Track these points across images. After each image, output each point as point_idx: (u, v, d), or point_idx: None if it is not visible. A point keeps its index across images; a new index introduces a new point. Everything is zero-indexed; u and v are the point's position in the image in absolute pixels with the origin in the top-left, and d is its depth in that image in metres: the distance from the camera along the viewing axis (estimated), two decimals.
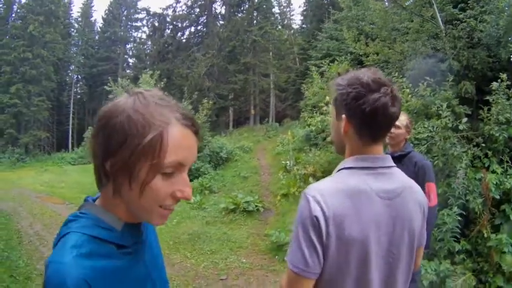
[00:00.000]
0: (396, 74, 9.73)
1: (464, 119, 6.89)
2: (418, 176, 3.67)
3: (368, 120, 1.55)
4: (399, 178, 1.64)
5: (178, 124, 1.05)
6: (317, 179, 11.58)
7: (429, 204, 3.64)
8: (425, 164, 3.75)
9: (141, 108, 1.03)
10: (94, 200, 1.16)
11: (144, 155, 1.00)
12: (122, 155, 1.01)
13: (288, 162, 15.28)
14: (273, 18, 41.23)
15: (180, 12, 38.70)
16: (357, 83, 1.54)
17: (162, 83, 19.05)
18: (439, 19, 9.75)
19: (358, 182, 1.52)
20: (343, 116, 1.59)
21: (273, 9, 42.53)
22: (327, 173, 11.19)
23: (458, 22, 9.27)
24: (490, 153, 6.46)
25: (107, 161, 1.04)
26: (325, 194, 1.47)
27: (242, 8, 38.65)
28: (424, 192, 3.61)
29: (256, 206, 11.08)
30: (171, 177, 1.04)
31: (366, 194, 1.50)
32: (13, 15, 40.84)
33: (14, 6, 40.77)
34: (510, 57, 8.83)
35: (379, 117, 1.53)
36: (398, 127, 3.76)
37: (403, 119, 3.82)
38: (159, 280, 1.27)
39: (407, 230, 1.57)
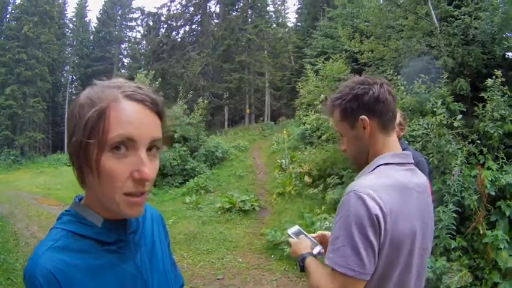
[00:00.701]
0: (391, 72, 9.73)
1: (459, 116, 6.89)
2: None
3: (385, 108, 1.61)
4: (420, 173, 1.74)
5: (126, 100, 1.02)
6: (313, 177, 11.62)
7: None
8: (420, 160, 3.73)
9: (91, 92, 1.04)
10: (80, 199, 1.16)
11: (90, 133, 0.98)
12: (76, 140, 1.00)
13: (283, 160, 15.30)
14: (267, 16, 41.17)
15: (175, 12, 38.61)
16: (356, 84, 1.63)
17: (157, 82, 19.02)
18: (434, 16, 9.76)
19: (401, 177, 1.56)
20: (363, 118, 1.61)
21: (268, 8, 42.48)
22: (322, 171, 11.23)
23: (453, 19, 9.27)
24: (485, 150, 6.46)
25: (69, 150, 1.04)
26: (378, 190, 1.45)
27: (237, 7, 38.56)
28: None
29: (252, 205, 11.08)
30: (124, 156, 1.00)
31: (409, 188, 1.55)
32: (7, 16, 40.63)
33: (9, 7, 40.56)
34: (505, 54, 8.85)
35: (392, 104, 1.63)
36: None
37: (397, 117, 3.81)
38: (158, 285, 1.23)
39: (431, 223, 1.67)
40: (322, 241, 2.04)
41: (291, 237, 2.09)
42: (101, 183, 1.01)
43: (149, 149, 1.05)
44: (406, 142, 4.21)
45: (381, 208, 1.41)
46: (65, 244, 1.02)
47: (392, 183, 1.51)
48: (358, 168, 1.71)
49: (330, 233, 1.90)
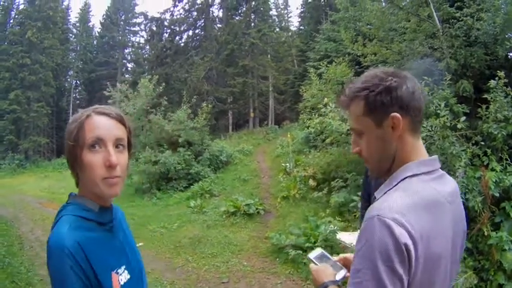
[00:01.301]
0: None
1: (463, 118, 6.88)
2: None
3: (419, 107, 1.41)
4: (449, 178, 1.53)
5: (96, 114, 1.47)
6: (317, 180, 11.61)
7: None
8: None
9: (76, 115, 1.51)
10: (74, 195, 1.54)
11: (74, 139, 1.42)
12: (67, 146, 1.46)
13: (287, 164, 15.29)
14: (270, 20, 41.17)
15: (178, 16, 38.67)
16: (387, 75, 1.40)
17: (161, 87, 19.06)
18: (436, 18, 9.76)
19: (429, 191, 1.35)
20: (395, 115, 1.36)
21: (271, 12, 42.43)
22: (326, 174, 11.22)
23: (455, 21, 9.27)
24: (489, 151, 6.45)
25: (66, 157, 1.49)
26: (405, 213, 1.25)
27: (239, 11, 38.61)
28: None
29: (256, 208, 11.07)
30: (98, 152, 1.42)
31: (439, 203, 1.36)
32: (11, 21, 40.87)
33: (12, 13, 40.80)
34: (507, 55, 8.86)
35: (423, 103, 1.44)
36: None
37: None
38: (133, 259, 1.64)
39: (462, 231, 1.51)
40: (346, 263, 1.79)
41: (313, 262, 1.82)
42: (85, 173, 1.43)
43: (117, 146, 1.48)
44: None
45: (410, 235, 1.22)
46: (78, 225, 1.39)
47: (421, 201, 1.30)
48: (376, 174, 1.52)
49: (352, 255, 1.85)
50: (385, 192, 1.39)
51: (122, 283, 1.45)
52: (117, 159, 1.43)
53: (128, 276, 1.50)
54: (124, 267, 1.51)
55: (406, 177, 1.38)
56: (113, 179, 1.43)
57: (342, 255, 1.85)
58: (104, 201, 1.51)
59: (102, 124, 1.45)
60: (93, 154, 1.41)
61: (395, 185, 1.38)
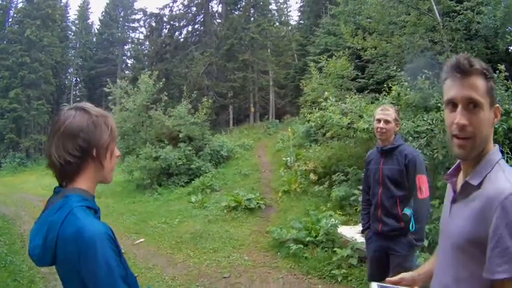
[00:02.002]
0: (394, 68, 9.73)
1: None
2: (408, 168, 3.71)
3: None
4: None
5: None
6: (318, 174, 11.61)
7: (421, 196, 3.68)
8: (415, 156, 3.77)
9: (88, 112, 1.63)
10: (59, 191, 1.63)
11: (111, 133, 1.66)
12: (103, 140, 1.62)
13: (288, 158, 15.30)
14: (270, 15, 41.10)
15: (177, 12, 38.55)
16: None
17: (161, 83, 19.01)
18: (436, 12, 9.75)
19: None
20: (498, 106, 1.49)
21: (270, 6, 42.36)
22: (327, 168, 11.22)
23: (456, 14, 9.27)
24: None
25: (93, 149, 1.58)
26: None
27: (239, 6, 38.50)
28: (415, 185, 3.62)
29: (257, 203, 11.06)
30: (115, 146, 1.71)
31: None
32: (10, 20, 40.79)
33: (11, 11, 40.73)
34: (508, 48, 8.85)
35: None
36: (389, 122, 3.78)
37: (391, 113, 3.83)
38: None
39: None
40: (404, 282, 1.86)
41: None
42: (110, 162, 1.67)
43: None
44: (401, 138, 4.21)
45: None
46: (92, 215, 1.54)
47: None
48: (468, 154, 1.49)
49: (409, 273, 1.88)
50: (486, 176, 1.45)
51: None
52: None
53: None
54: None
55: (499, 160, 1.49)
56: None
57: (398, 277, 1.90)
58: (94, 191, 1.68)
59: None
60: (115, 149, 1.71)
61: (493, 166, 1.47)
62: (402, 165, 3.74)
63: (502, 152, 6.17)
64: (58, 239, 1.45)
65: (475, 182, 1.46)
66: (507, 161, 6.20)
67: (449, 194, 1.65)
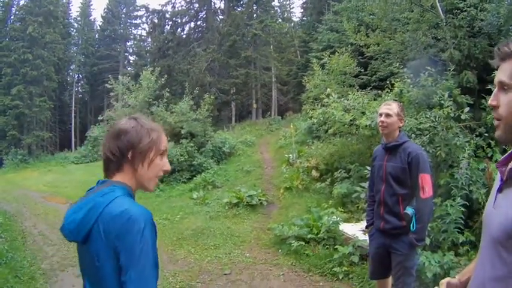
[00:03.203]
0: (397, 65, 9.70)
1: (466, 109, 6.84)
2: (411, 166, 3.66)
3: None
4: None
5: (163, 131, 1.87)
6: (320, 171, 11.61)
7: (423, 196, 3.62)
8: (419, 154, 3.70)
9: (143, 123, 1.81)
10: (103, 182, 1.78)
11: (154, 144, 1.78)
12: (141, 147, 1.74)
13: (290, 155, 15.29)
14: (272, 11, 41.00)
15: (179, 8, 38.54)
16: None
17: (163, 79, 19.02)
18: (439, 8, 9.70)
19: None
20: None
21: (273, 2, 42.22)
22: (329, 165, 11.22)
23: (459, 11, 9.21)
24: (492, 142, 6.42)
25: (128, 152, 1.73)
26: None
27: (241, 2, 38.52)
28: (418, 184, 3.57)
29: (259, 199, 11.06)
30: (163, 158, 1.82)
31: None
32: (12, 17, 40.77)
33: (13, 8, 40.70)
34: None
35: None
36: (390, 115, 3.74)
37: (394, 107, 3.80)
38: None
39: None
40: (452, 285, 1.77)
41: None
42: (149, 171, 1.77)
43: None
44: (406, 135, 4.17)
45: None
46: (136, 203, 1.68)
47: None
48: (505, 137, 1.46)
49: (453, 280, 1.78)
50: None
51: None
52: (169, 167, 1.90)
53: None
54: None
55: None
56: (158, 181, 1.89)
57: (444, 281, 1.82)
58: (135, 191, 1.83)
59: (166, 139, 1.88)
60: (160, 159, 1.81)
61: None
62: (405, 163, 3.69)
63: None
64: (100, 217, 1.58)
65: None
66: None
67: (497, 184, 1.54)
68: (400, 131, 3.85)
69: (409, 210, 3.64)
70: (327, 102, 10.77)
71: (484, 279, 1.42)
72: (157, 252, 1.63)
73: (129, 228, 1.53)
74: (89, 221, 1.58)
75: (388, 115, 3.74)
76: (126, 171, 1.77)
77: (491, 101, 1.43)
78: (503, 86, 1.40)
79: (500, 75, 1.41)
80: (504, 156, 1.54)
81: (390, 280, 4.04)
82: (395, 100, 7.08)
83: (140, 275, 1.52)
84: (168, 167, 1.86)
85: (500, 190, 1.47)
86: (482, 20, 8.75)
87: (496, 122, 1.44)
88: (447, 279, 1.79)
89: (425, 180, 3.61)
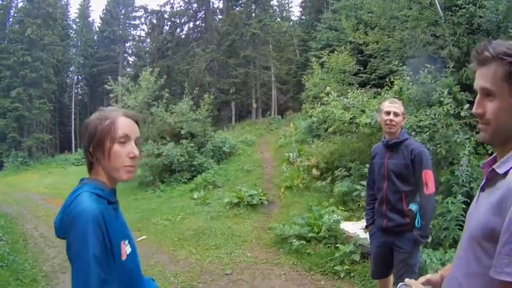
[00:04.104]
0: (396, 62, 9.70)
1: (466, 106, 6.83)
2: (414, 163, 3.66)
3: None
4: None
5: (123, 116, 1.81)
6: (320, 170, 11.60)
7: (427, 192, 3.62)
8: (422, 151, 3.72)
9: (101, 114, 1.81)
10: (87, 179, 1.82)
11: (107, 132, 1.73)
12: (96, 139, 1.73)
13: (290, 154, 15.29)
14: (271, 10, 40.95)
15: (178, 9, 38.55)
16: None
17: (162, 79, 18.99)
18: (438, 6, 9.70)
19: None
20: None
21: (271, 2, 42.15)
22: (330, 163, 11.21)
23: (458, 8, 9.21)
24: None
25: (90, 146, 1.75)
26: None
27: (240, 2, 38.51)
28: (421, 180, 3.57)
29: (260, 199, 11.05)
30: (124, 145, 1.76)
31: None
32: (10, 19, 40.85)
33: (11, 11, 40.76)
34: None
35: None
36: (398, 114, 3.74)
37: (399, 106, 3.80)
38: (131, 236, 1.89)
39: None
40: (431, 283, 1.78)
41: None
42: (111, 161, 1.74)
43: (136, 143, 1.82)
44: (407, 132, 4.17)
45: None
46: (96, 199, 1.65)
47: None
48: (490, 140, 1.48)
49: (435, 275, 1.79)
50: None
51: (127, 253, 1.75)
52: (137, 152, 1.80)
53: (130, 249, 1.79)
54: (127, 240, 1.79)
55: None
56: (132, 167, 1.80)
57: (422, 278, 1.84)
58: (113, 184, 1.83)
59: (128, 124, 1.81)
60: (121, 147, 1.75)
61: None
62: (408, 160, 3.69)
63: None
64: (63, 214, 1.67)
65: (501, 170, 1.39)
66: None
67: (481, 183, 1.56)
68: (402, 128, 3.85)
69: (413, 207, 3.64)
70: (327, 100, 10.77)
71: (461, 276, 1.45)
72: (108, 247, 1.61)
73: (73, 225, 1.57)
74: (61, 219, 1.68)
75: (396, 114, 3.74)
76: (96, 166, 1.80)
77: (476, 109, 1.45)
78: (487, 93, 1.41)
79: (481, 81, 1.42)
80: (490, 157, 1.56)
81: (391, 278, 4.04)
82: (395, 98, 7.07)
83: (78, 271, 1.54)
84: (134, 152, 1.79)
85: (483, 189, 1.49)
86: (481, 16, 8.75)
87: (482, 126, 1.45)
88: (428, 275, 1.82)
89: (429, 177, 3.62)
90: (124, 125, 1.79)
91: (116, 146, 1.74)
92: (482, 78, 1.41)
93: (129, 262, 1.75)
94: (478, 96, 1.45)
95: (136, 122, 1.89)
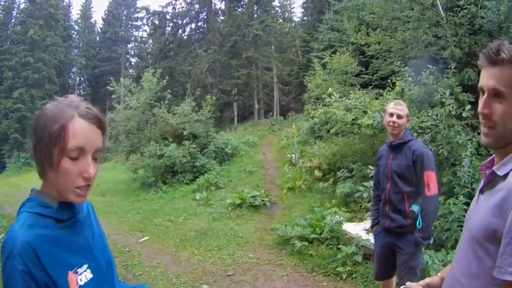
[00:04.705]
0: (398, 63, 9.70)
1: (468, 106, 6.84)
2: (416, 164, 3.67)
3: None
4: None
5: (80, 118, 1.36)
6: (323, 171, 11.60)
7: (429, 193, 3.62)
8: (424, 152, 3.72)
9: (55, 109, 1.38)
10: (36, 190, 1.49)
11: (55, 141, 1.32)
12: (41, 144, 1.35)
13: (293, 155, 15.29)
14: (273, 11, 41.01)
15: (180, 10, 38.55)
16: None
17: (164, 81, 19.00)
18: (440, 6, 9.70)
19: None
20: None
21: (273, 3, 42.22)
22: (332, 165, 11.21)
23: (459, 9, 9.21)
24: None
25: (35, 151, 1.38)
26: None
27: (242, 3, 38.54)
28: (423, 182, 3.57)
29: (262, 200, 11.05)
30: (77, 160, 1.35)
31: None
32: (13, 20, 41.02)
33: (14, 12, 40.92)
34: None
35: None
36: (401, 117, 3.75)
37: (404, 108, 3.81)
38: (101, 255, 1.57)
39: None
40: (431, 286, 1.77)
41: None
42: (58, 178, 1.36)
43: (94, 157, 1.41)
44: (410, 133, 4.18)
45: None
46: (33, 222, 1.34)
47: None
48: (495, 144, 1.44)
49: (434, 278, 1.78)
50: None
51: (81, 283, 1.39)
52: (94, 172, 1.39)
53: (91, 276, 1.43)
54: (86, 266, 1.44)
55: None
56: (85, 190, 1.40)
57: (422, 282, 1.81)
58: (64, 198, 1.43)
59: (85, 132, 1.37)
60: (72, 162, 1.34)
61: None
62: (410, 161, 3.71)
63: None
64: None
65: (501, 172, 1.39)
66: None
67: (481, 184, 1.56)
68: (406, 129, 3.86)
69: (415, 208, 3.64)
70: (329, 101, 10.76)
71: (461, 277, 1.46)
72: (45, 283, 1.29)
73: (1, 263, 1.28)
74: None
75: (399, 116, 3.75)
76: (47, 176, 1.42)
77: (483, 109, 1.41)
78: (497, 94, 1.38)
79: (491, 81, 1.39)
80: (488, 159, 1.56)
81: (394, 279, 4.04)
82: (397, 99, 7.08)
83: None
84: (89, 172, 1.37)
85: (482, 191, 1.50)
86: (482, 17, 8.75)
87: (486, 130, 1.43)
88: (427, 279, 1.81)
89: (431, 178, 3.62)
90: (79, 132, 1.35)
91: (66, 162, 1.34)
92: (493, 78, 1.38)
93: None
94: (485, 96, 1.42)
95: (101, 125, 1.43)
